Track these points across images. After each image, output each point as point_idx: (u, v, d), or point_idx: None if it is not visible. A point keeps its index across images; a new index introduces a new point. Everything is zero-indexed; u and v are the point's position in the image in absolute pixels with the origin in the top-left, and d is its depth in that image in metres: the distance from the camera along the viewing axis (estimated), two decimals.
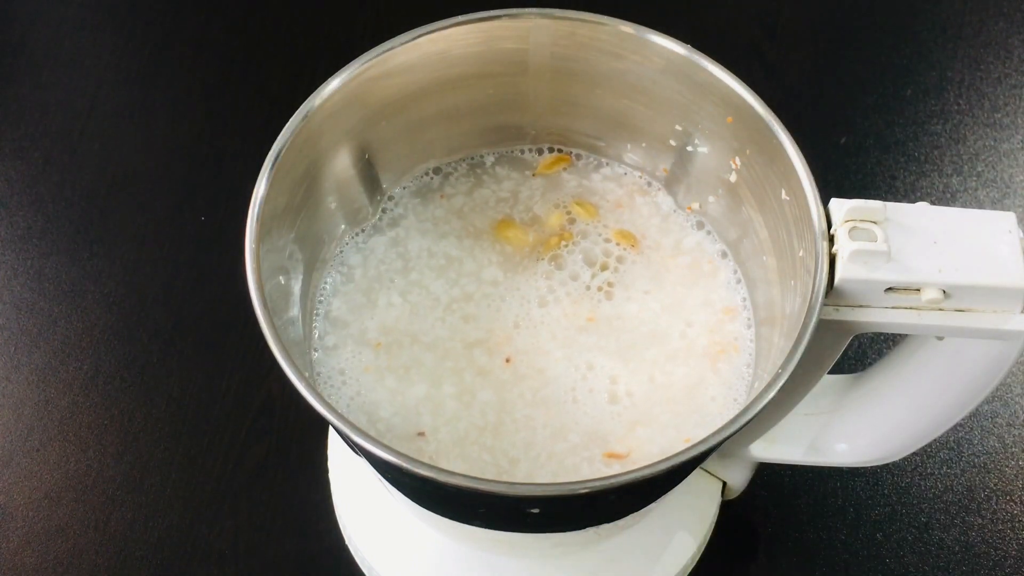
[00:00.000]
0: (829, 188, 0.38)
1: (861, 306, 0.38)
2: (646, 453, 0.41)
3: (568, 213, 0.47)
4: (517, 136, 0.48)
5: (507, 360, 0.43)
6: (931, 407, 0.44)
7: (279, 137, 0.39)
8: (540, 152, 0.48)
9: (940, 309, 0.37)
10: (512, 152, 0.48)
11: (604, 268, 0.45)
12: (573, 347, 0.43)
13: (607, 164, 0.48)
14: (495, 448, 0.41)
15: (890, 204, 0.37)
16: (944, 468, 0.56)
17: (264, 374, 0.59)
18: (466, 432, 0.41)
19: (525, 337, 0.43)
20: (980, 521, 0.55)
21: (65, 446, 0.57)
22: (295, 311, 0.42)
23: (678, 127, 0.45)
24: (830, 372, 0.42)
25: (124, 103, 0.69)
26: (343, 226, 0.46)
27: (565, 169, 0.48)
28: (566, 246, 0.46)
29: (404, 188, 0.47)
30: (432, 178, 0.48)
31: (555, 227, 0.46)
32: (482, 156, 0.48)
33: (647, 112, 0.45)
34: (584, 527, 0.42)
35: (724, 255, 0.46)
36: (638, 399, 0.42)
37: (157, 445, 0.57)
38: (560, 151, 0.48)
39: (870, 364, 0.46)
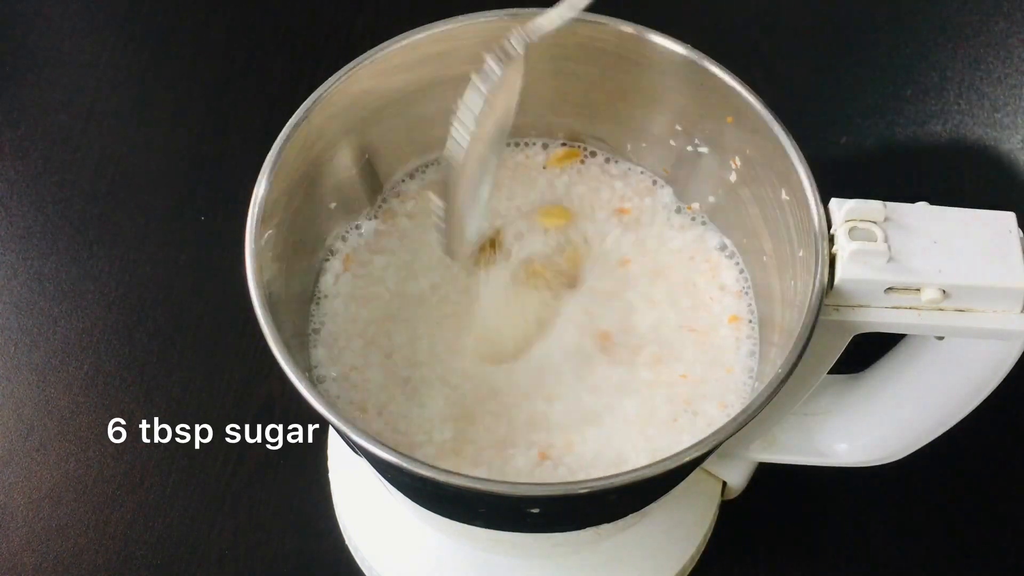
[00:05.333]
0: (829, 188, 0.38)
1: (861, 306, 0.38)
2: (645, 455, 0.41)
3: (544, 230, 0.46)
4: (517, 136, 0.48)
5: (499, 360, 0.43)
6: (931, 407, 0.44)
7: (279, 137, 0.39)
8: (545, 146, 0.48)
9: (940, 309, 0.37)
10: (516, 149, 0.48)
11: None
12: (561, 344, 0.43)
13: (615, 161, 0.48)
14: (488, 446, 0.41)
15: (890, 204, 0.37)
16: (943, 468, 0.56)
17: (264, 374, 0.59)
18: (460, 428, 0.41)
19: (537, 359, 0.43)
20: (980, 521, 0.55)
21: (65, 446, 0.57)
22: (295, 310, 0.42)
23: (678, 127, 0.45)
24: (830, 372, 0.42)
25: (124, 103, 0.69)
26: (343, 225, 0.46)
27: (564, 169, 0.48)
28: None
29: (404, 187, 0.47)
30: (432, 172, 0.48)
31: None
32: None
33: (647, 112, 0.45)
34: (584, 527, 0.42)
35: (724, 255, 0.46)
36: (633, 401, 0.42)
37: (157, 445, 0.57)
38: (566, 145, 0.48)
39: (870, 364, 0.46)
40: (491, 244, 0.46)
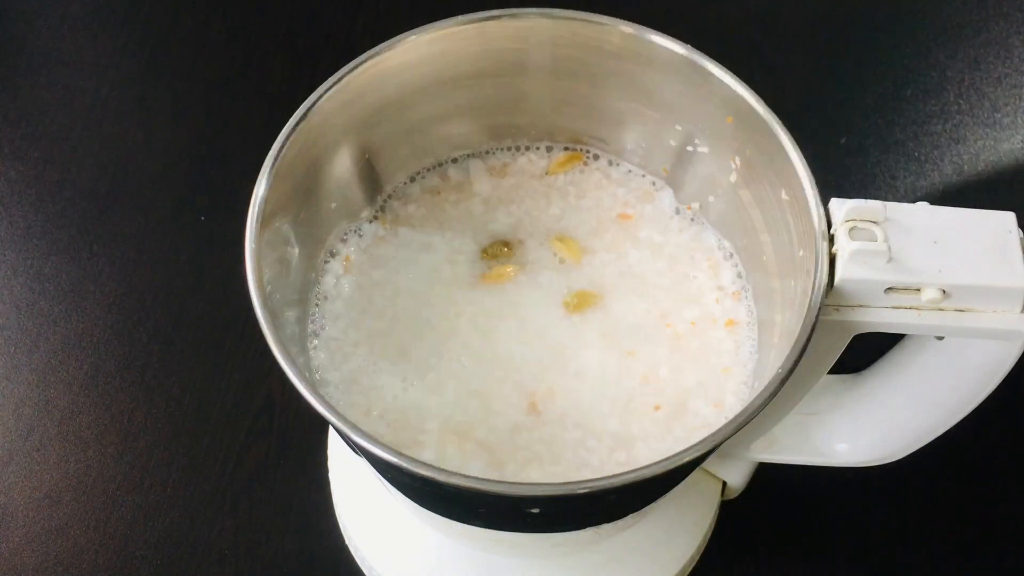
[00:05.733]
0: (829, 188, 0.38)
1: (861, 306, 0.38)
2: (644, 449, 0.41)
3: (555, 255, 0.46)
4: (517, 136, 0.48)
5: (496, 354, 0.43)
6: (931, 407, 0.44)
7: (279, 137, 0.39)
8: (550, 149, 0.48)
9: (940, 309, 0.37)
10: (517, 153, 0.48)
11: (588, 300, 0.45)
12: (564, 344, 0.43)
13: (616, 164, 0.48)
14: (490, 446, 0.41)
15: (890, 204, 0.37)
16: (944, 468, 0.56)
17: (264, 374, 0.59)
18: (461, 423, 0.41)
19: (527, 336, 0.43)
20: (980, 521, 0.55)
21: (65, 446, 0.57)
22: (295, 310, 0.42)
23: (678, 127, 0.45)
24: (830, 372, 0.42)
25: (124, 103, 0.69)
26: (343, 225, 0.46)
27: (567, 173, 0.48)
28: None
29: (404, 187, 0.47)
30: (434, 177, 0.48)
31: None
32: (485, 153, 0.48)
33: (647, 112, 0.45)
34: (584, 527, 0.42)
35: (724, 255, 0.46)
36: (630, 399, 0.42)
37: (157, 445, 0.57)
38: (568, 149, 0.48)
39: (870, 364, 0.46)
40: (505, 245, 0.46)
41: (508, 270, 0.45)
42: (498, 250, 0.45)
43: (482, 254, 0.45)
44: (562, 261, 0.45)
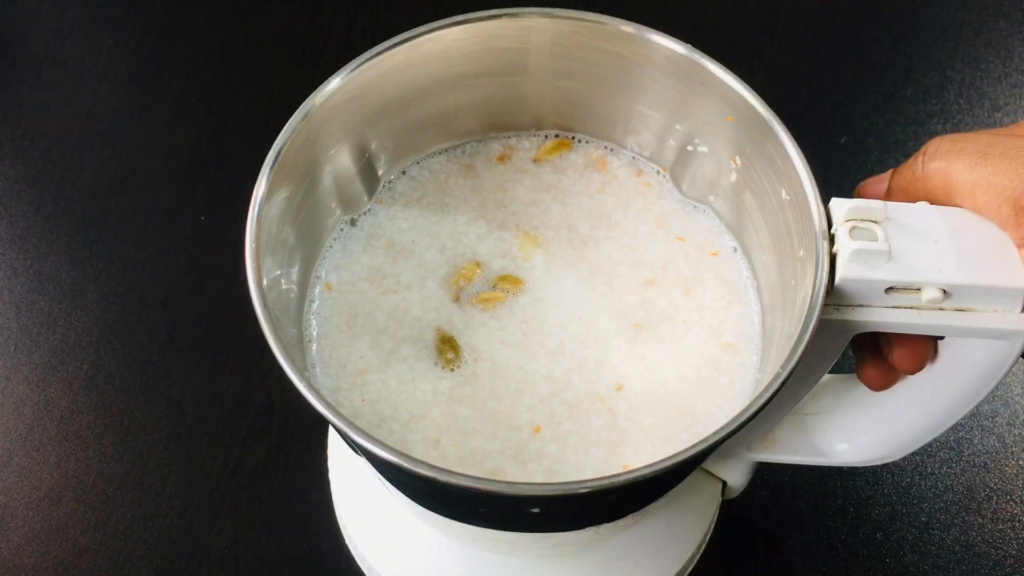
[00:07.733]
0: (829, 188, 0.38)
1: (861, 306, 0.38)
2: (642, 446, 0.41)
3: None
4: (517, 136, 0.48)
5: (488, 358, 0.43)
6: (931, 407, 0.44)
7: (279, 137, 0.39)
8: (546, 137, 0.48)
9: (940, 309, 0.37)
10: (516, 152, 0.48)
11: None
12: (567, 343, 0.43)
13: (614, 151, 0.48)
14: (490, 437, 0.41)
15: (890, 204, 0.37)
16: (944, 468, 0.56)
17: (264, 374, 0.59)
18: (462, 420, 0.41)
19: (526, 333, 0.43)
20: (980, 521, 0.55)
21: (65, 446, 0.57)
22: (295, 310, 0.42)
23: (678, 127, 0.45)
24: (830, 372, 0.42)
25: (124, 103, 0.69)
26: (343, 225, 0.46)
27: (561, 156, 0.48)
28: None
29: (404, 186, 0.47)
30: (434, 175, 0.48)
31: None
32: (485, 151, 0.48)
33: (647, 112, 0.45)
34: (584, 527, 0.42)
35: (724, 254, 0.46)
36: (628, 401, 0.42)
37: (157, 445, 0.57)
38: (559, 136, 0.48)
39: None
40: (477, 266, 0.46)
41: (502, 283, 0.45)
42: (471, 272, 0.45)
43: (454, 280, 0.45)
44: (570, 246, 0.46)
